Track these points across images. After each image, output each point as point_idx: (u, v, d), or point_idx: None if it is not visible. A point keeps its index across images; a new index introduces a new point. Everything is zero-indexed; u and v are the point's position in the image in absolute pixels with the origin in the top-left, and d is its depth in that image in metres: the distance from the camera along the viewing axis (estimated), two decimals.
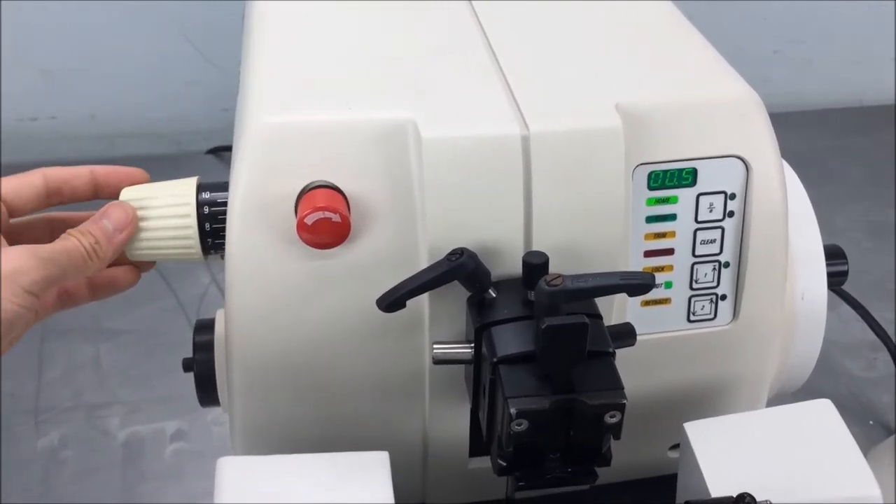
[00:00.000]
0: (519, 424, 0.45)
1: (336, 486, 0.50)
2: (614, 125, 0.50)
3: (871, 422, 0.80)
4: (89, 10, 1.10)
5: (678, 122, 0.53)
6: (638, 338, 0.55)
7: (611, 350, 0.47)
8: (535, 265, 0.48)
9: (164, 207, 0.53)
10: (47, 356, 0.87)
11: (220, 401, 0.60)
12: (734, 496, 0.47)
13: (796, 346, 0.62)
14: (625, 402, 0.45)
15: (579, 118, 0.51)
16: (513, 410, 0.44)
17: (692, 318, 0.56)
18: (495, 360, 0.46)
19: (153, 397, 0.83)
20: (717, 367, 0.58)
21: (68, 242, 0.49)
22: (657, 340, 0.56)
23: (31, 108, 1.16)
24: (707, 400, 0.59)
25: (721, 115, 0.53)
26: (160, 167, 0.68)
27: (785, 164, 0.65)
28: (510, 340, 0.47)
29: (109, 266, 0.54)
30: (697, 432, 0.54)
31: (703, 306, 0.56)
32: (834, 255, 0.67)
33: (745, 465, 0.52)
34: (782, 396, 0.64)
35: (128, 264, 0.56)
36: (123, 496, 0.75)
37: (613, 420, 0.45)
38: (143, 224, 0.53)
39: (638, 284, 0.46)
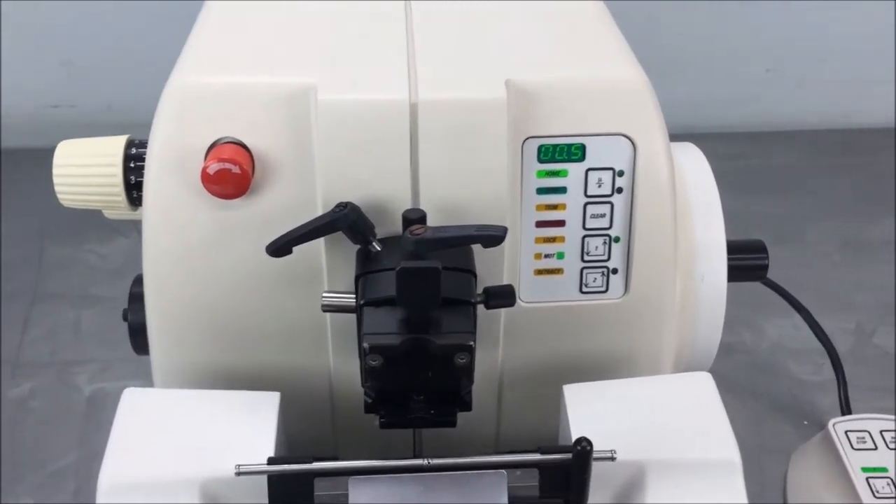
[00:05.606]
0: (374, 360, 0.48)
1: (226, 420, 0.55)
2: (498, 97, 0.54)
3: (805, 422, 0.81)
4: (109, 4, 1.18)
5: (568, 99, 0.56)
6: (532, 305, 0.58)
7: (472, 301, 0.51)
8: (413, 220, 0.52)
9: (94, 157, 0.59)
10: (34, 317, 0.93)
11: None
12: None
13: (697, 327, 0.64)
14: (472, 343, 0.48)
15: (467, 89, 0.54)
16: (366, 345, 0.48)
17: (584, 289, 0.59)
18: (361, 302, 0.50)
19: (123, 358, 0.87)
20: (612, 340, 0.61)
21: None
22: (550, 309, 0.59)
23: (52, 97, 1.23)
24: (604, 372, 0.62)
25: (610, 95, 0.56)
26: None
27: (700, 154, 0.67)
28: (377, 286, 0.51)
29: None
30: (574, 394, 0.57)
31: (595, 279, 0.59)
32: (756, 249, 0.69)
33: (614, 426, 0.54)
34: None
35: None
36: (80, 444, 0.80)
37: (462, 361, 0.48)
38: (74, 172, 0.59)
39: (490, 235, 0.49)
